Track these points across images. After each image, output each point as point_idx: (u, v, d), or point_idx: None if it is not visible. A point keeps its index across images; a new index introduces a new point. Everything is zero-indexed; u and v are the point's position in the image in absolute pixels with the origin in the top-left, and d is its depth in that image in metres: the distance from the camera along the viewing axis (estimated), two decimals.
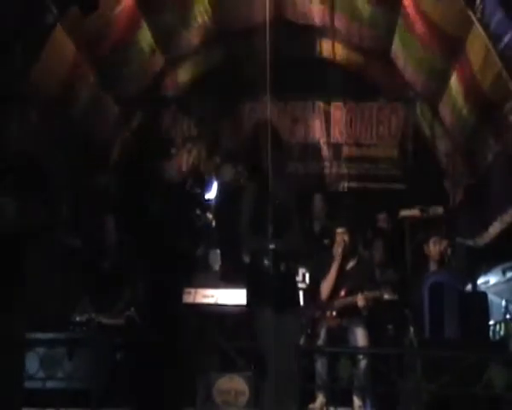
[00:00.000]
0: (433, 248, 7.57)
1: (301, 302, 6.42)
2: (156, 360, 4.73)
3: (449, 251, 7.44)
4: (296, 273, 5.08)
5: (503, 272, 7.88)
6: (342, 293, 6.98)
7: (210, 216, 5.22)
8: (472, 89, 7.06)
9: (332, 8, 8.42)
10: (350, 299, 6.90)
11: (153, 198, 5.02)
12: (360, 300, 6.82)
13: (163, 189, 5.06)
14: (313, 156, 9.50)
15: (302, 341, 6.70)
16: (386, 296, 7.24)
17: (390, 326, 7.32)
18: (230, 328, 7.22)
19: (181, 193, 5.12)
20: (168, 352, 4.84)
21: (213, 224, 5.28)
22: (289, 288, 4.58)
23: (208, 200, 5.29)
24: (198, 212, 5.17)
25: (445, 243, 7.63)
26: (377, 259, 7.75)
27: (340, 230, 7.12)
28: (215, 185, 5.43)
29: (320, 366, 6.49)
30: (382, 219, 8.52)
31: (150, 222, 4.99)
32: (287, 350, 4.45)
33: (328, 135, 9.47)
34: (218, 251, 6.32)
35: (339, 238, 7.11)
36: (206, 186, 5.33)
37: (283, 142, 5.05)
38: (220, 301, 6.91)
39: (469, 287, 7.87)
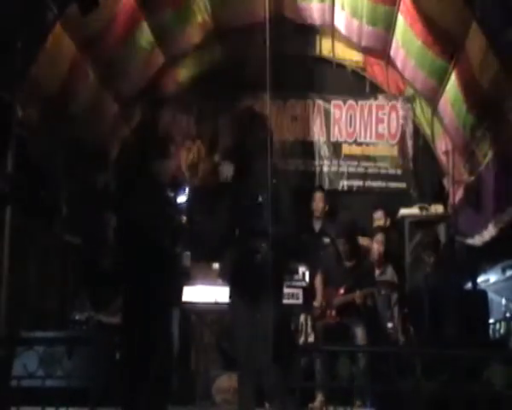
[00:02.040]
0: (428, 257, 7.60)
1: (301, 300, 6.44)
2: (141, 359, 4.72)
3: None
4: (289, 270, 4.98)
5: (503, 271, 7.90)
6: (341, 291, 6.99)
7: (184, 218, 5.23)
8: (471, 87, 7.05)
9: (332, 7, 8.41)
10: (348, 297, 6.91)
11: (137, 198, 5.03)
12: (358, 297, 6.84)
13: (146, 189, 5.06)
14: (312, 155, 9.50)
15: (301, 339, 6.71)
16: (383, 292, 7.27)
17: (390, 324, 7.33)
18: (230, 326, 7.22)
19: (159, 195, 5.12)
20: (154, 351, 4.83)
21: (185, 226, 5.29)
22: (271, 284, 4.50)
23: (181, 203, 5.30)
24: (171, 214, 5.19)
25: (440, 247, 7.67)
26: (375, 257, 7.75)
27: (341, 240, 7.15)
28: (187, 189, 5.44)
29: (319, 364, 6.49)
30: (379, 216, 8.51)
31: (134, 221, 5.01)
32: (266, 347, 4.42)
33: (328, 133, 9.46)
34: (189, 253, 6.35)
35: (341, 247, 7.14)
36: (179, 189, 5.33)
37: (270, 133, 4.97)
38: (220, 300, 6.90)
39: (469, 285, 7.88)
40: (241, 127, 4.72)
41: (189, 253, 6.19)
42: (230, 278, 4.72)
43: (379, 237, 7.79)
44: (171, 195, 5.23)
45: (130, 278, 4.97)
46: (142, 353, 4.68)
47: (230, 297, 4.66)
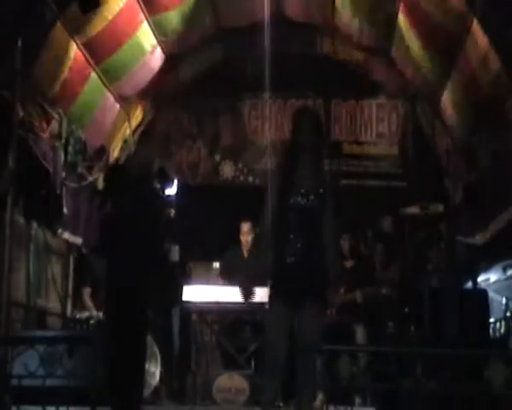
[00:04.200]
0: (435, 254, 7.59)
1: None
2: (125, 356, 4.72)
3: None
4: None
5: (504, 270, 7.88)
6: (342, 290, 7.00)
7: (173, 212, 5.21)
8: (472, 86, 7.05)
9: (332, 6, 8.41)
10: (349, 296, 6.92)
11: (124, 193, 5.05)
12: (359, 296, 6.85)
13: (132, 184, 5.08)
14: None
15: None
16: (384, 292, 7.27)
17: (390, 323, 7.33)
18: (231, 326, 7.23)
19: (147, 188, 5.13)
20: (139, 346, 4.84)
21: (174, 219, 5.27)
22: (313, 283, 4.49)
23: (169, 196, 5.27)
24: (160, 207, 5.18)
25: (442, 246, 7.67)
26: (377, 258, 7.75)
27: (345, 236, 7.16)
28: (176, 182, 5.42)
29: (320, 364, 6.49)
30: (387, 222, 8.47)
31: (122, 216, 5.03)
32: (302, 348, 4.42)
33: (329, 132, 9.46)
34: (177, 247, 6.33)
35: (343, 243, 7.14)
36: (167, 182, 5.32)
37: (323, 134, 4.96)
38: (220, 299, 6.91)
39: (470, 285, 7.88)
40: (293, 125, 4.69)
41: (177, 246, 6.18)
42: (271, 278, 4.65)
43: (379, 243, 7.82)
44: (160, 188, 5.23)
45: (113, 273, 4.99)
46: (122, 349, 4.67)
47: (270, 298, 4.61)
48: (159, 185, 5.24)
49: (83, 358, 5.54)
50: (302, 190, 4.46)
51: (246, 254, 7.55)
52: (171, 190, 5.35)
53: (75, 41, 6.92)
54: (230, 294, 6.89)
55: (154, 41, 8.18)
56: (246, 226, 7.48)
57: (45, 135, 7.06)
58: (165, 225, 5.18)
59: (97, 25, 6.97)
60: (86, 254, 7.79)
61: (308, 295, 4.42)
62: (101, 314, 6.89)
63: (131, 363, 4.88)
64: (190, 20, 8.32)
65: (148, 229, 4.97)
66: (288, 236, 4.44)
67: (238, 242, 7.64)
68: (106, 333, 5.02)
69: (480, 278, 7.89)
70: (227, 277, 7.39)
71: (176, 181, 5.51)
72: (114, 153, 9.04)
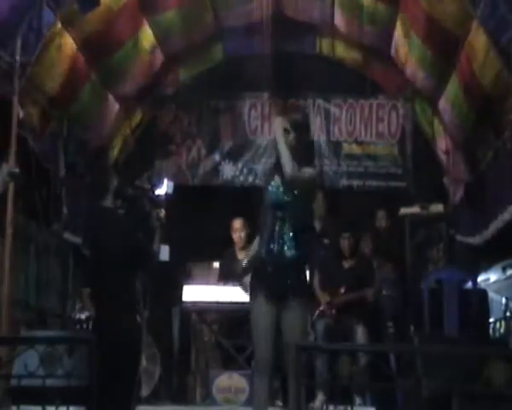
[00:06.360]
0: (437, 253, 7.60)
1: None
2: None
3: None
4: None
5: (503, 270, 7.90)
6: (341, 290, 6.99)
7: (163, 212, 5.19)
8: (472, 86, 7.05)
9: (332, 5, 8.41)
10: (348, 296, 6.92)
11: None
12: (358, 296, 6.85)
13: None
14: None
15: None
16: (384, 292, 7.27)
17: (390, 323, 7.33)
18: (230, 326, 7.23)
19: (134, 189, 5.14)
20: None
21: (164, 220, 5.24)
22: (294, 281, 4.50)
23: (158, 195, 5.25)
24: (148, 207, 5.17)
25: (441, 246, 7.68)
26: (368, 254, 7.74)
27: (345, 234, 7.16)
28: (165, 182, 5.38)
29: (320, 363, 6.49)
30: (381, 216, 8.50)
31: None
32: (286, 346, 4.41)
33: (328, 132, 9.45)
34: (167, 247, 6.32)
35: (343, 242, 7.14)
36: (156, 182, 5.31)
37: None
38: (220, 299, 6.91)
39: (469, 284, 7.88)
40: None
41: (167, 246, 6.17)
42: (251, 277, 4.66)
43: (370, 240, 7.83)
44: (149, 188, 5.22)
45: (101, 274, 4.99)
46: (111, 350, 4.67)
47: (251, 297, 4.62)
48: (149, 186, 5.24)
49: (83, 358, 5.54)
50: (281, 188, 4.50)
51: (238, 253, 7.54)
52: (161, 190, 5.31)
53: (75, 41, 6.92)
54: (230, 294, 6.89)
55: (154, 41, 8.18)
56: (237, 223, 7.48)
57: (45, 135, 7.07)
58: (154, 225, 5.16)
59: (97, 25, 6.97)
60: (85, 254, 7.79)
61: (290, 293, 4.43)
62: None
63: (122, 365, 4.88)
64: (190, 20, 8.34)
65: (139, 229, 4.99)
66: (268, 232, 4.48)
67: (234, 243, 7.64)
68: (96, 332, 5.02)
69: (480, 278, 7.89)
70: (224, 280, 7.38)
71: (166, 181, 5.46)
72: (114, 153, 9.04)
